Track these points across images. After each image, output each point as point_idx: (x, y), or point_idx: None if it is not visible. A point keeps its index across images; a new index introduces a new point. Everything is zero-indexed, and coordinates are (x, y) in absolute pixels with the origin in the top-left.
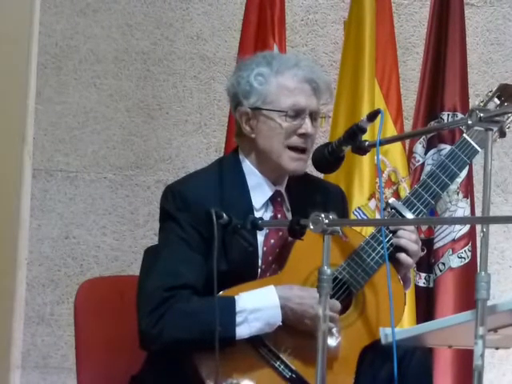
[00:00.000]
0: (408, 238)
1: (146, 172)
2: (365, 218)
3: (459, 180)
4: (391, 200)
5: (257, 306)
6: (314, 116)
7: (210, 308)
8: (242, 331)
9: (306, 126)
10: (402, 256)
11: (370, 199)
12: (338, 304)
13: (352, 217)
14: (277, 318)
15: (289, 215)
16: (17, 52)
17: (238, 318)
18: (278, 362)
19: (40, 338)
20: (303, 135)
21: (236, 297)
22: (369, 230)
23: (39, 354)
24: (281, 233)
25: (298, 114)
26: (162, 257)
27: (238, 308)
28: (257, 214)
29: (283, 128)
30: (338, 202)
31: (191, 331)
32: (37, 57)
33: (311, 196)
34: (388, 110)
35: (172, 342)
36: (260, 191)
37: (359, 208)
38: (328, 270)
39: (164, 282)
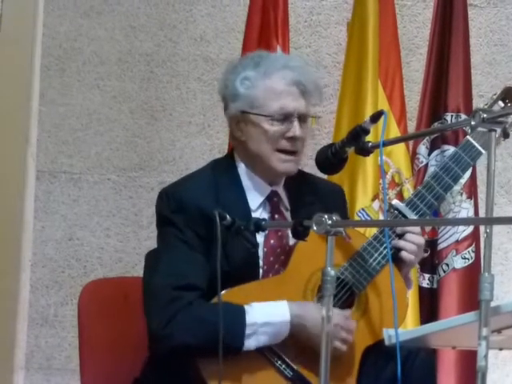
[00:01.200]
0: (418, 242)
1: (149, 173)
2: (368, 218)
3: (463, 181)
4: (394, 201)
5: (267, 321)
6: (302, 118)
7: (221, 318)
8: (250, 343)
9: (294, 129)
10: (403, 254)
11: (373, 200)
12: (354, 324)
13: (355, 217)
14: (285, 333)
15: (287, 214)
16: (20, 54)
17: (248, 331)
18: (280, 362)
19: (44, 339)
20: (291, 139)
21: (247, 307)
22: (372, 231)
23: (43, 355)
24: (280, 233)
25: (285, 117)
26: (165, 258)
27: (248, 320)
28: (253, 215)
29: (271, 133)
30: (338, 201)
31: (202, 338)
32: (40, 59)
33: (311, 195)
34: (391, 111)
35: (181, 345)
36: (255, 192)
37: (363, 209)
38: (332, 272)
39: (171, 282)
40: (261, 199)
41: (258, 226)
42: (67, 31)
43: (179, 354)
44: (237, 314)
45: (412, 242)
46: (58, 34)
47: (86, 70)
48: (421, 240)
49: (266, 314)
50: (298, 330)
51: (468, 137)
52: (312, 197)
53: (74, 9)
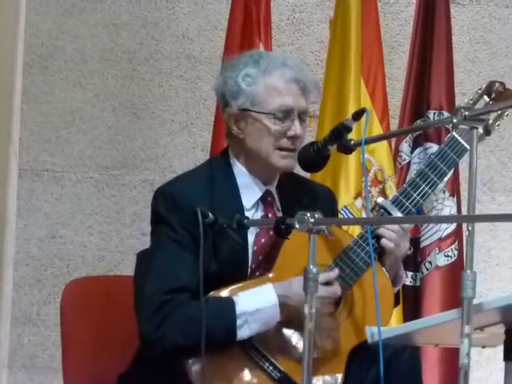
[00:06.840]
0: (395, 228)
1: (132, 172)
2: (351, 216)
3: (446, 178)
4: (380, 199)
5: (256, 307)
6: (302, 116)
7: (211, 313)
8: (243, 333)
9: (295, 127)
10: (383, 241)
11: (356, 198)
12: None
13: (338, 215)
14: (275, 317)
15: (279, 215)
16: (2, 52)
17: (239, 321)
18: (267, 364)
19: (27, 338)
20: (292, 137)
21: (235, 298)
22: (355, 229)
23: (26, 353)
24: (271, 232)
25: (286, 115)
26: (157, 259)
27: (238, 311)
28: (247, 214)
29: (272, 131)
30: (327, 203)
31: (193, 337)
32: (23, 56)
33: (301, 196)
34: (374, 108)
35: (174, 347)
36: (250, 191)
37: (345, 207)
38: (314, 269)
39: (162, 285)
40: (255, 198)
41: (241, 223)
42: (49, 29)
43: (173, 356)
44: (226, 307)
45: (384, 235)
46: (40, 32)
47: (68, 68)
48: (393, 235)
49: (254, 301)
50: (287, 308)
51: (453, 133)
52: (303, 198)
53: (56, 7)
